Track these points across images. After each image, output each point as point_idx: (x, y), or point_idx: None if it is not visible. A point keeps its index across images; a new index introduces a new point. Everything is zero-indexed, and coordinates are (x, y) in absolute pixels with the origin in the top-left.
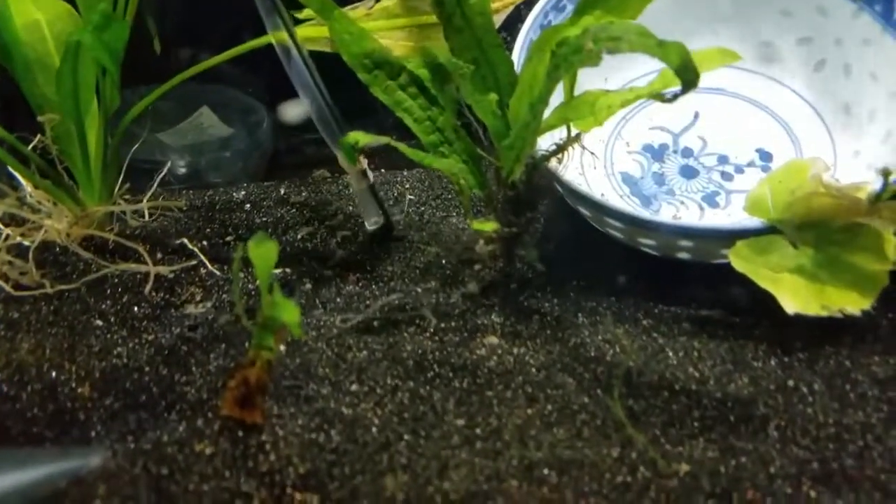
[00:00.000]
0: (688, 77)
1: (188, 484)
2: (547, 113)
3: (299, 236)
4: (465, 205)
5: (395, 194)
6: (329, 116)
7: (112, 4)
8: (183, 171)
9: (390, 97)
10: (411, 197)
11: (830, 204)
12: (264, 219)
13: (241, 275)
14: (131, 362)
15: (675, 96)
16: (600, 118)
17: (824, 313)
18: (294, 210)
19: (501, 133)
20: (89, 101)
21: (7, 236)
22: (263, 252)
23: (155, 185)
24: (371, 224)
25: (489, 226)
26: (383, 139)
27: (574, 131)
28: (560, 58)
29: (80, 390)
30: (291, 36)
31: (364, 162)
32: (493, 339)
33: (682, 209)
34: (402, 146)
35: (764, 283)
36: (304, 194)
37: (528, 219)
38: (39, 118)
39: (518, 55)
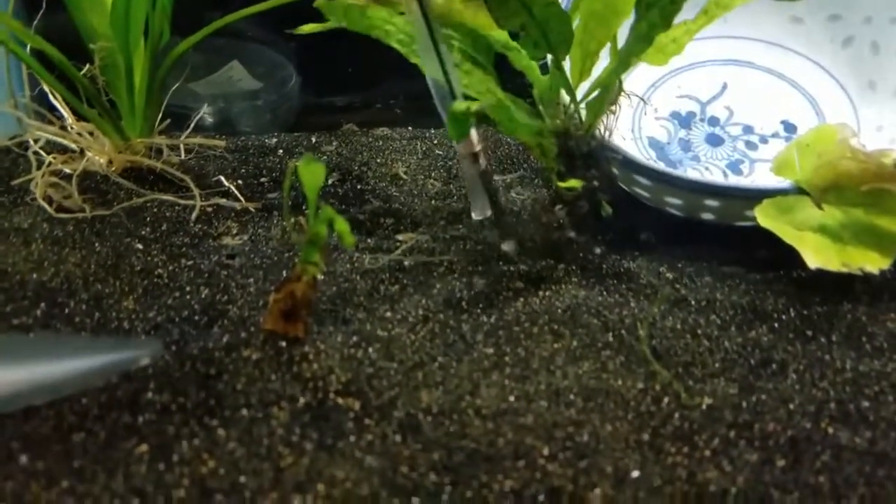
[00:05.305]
0: None
1: (236, 384)
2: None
3: (330, 181)
4: (549, 166)
5: (424, 148)
6: (447, 91)
7: None
8: (214, 118)
9: None
10: (439, 152)
11: (856, 168)
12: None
13: (275, 213)
14: (172, 283)
15: None
16: (668, 51)
17: (844, 270)
18: (325, 157)
19: (562, 88)
20: (138, 33)
21: (50, 163)
22: (312, 170)
23: (192, 124)
24: (476, 215)
25: (575, 182)
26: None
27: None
28: None
29: (124, 303)
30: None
31: (477, 144)
32: (520, 284)
33: (706, 175)
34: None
35: (788, 239)
36: (334, 144)
37: (598, 173)
38: (91, 45)
39: None
